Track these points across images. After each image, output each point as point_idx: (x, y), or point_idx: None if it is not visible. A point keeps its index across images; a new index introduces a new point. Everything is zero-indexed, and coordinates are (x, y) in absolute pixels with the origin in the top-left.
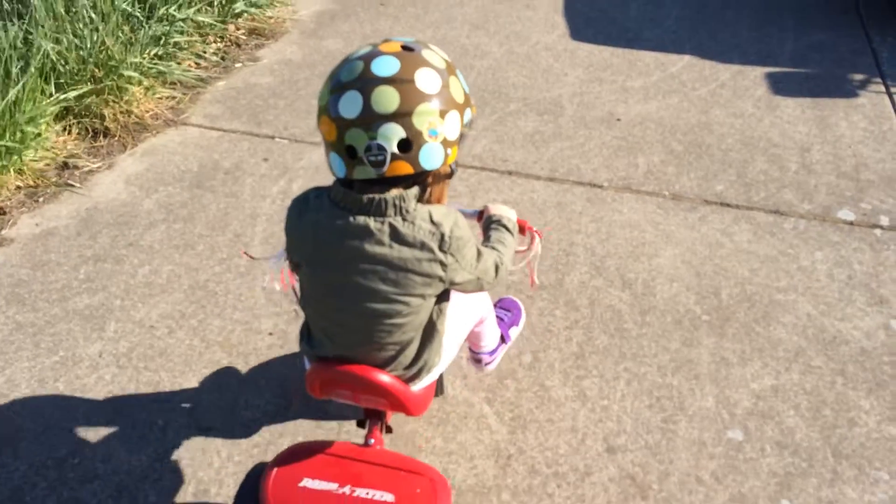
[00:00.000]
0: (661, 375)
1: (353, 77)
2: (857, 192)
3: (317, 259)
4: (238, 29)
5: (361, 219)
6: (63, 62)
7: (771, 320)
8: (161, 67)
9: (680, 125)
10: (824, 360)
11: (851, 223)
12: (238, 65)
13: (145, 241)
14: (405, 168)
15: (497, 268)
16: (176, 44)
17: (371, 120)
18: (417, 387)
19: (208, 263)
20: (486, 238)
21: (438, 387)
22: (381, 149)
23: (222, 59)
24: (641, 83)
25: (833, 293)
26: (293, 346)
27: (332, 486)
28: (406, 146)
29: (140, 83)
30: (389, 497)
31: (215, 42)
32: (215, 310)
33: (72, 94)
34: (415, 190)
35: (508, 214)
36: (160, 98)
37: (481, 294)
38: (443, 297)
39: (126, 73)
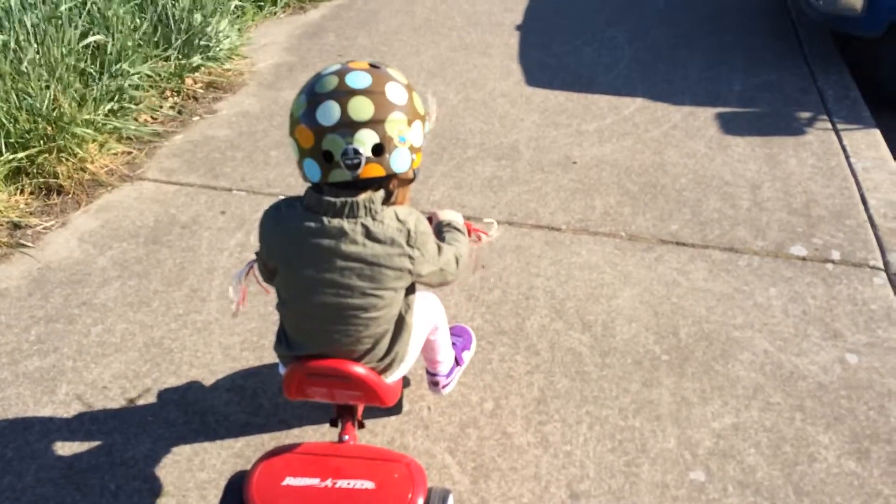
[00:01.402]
0: (622, 418)
1: (329, 89)
2: (808, 227)
3: (295, 261)
4: (195, 83)
5: (336, 221)
6: (13, 121)
7: (729, 358)
8: (116, 123)
9: (634, 166)
10: (783, 396)
11: (804, 258)
12: (195, 118)
13: (99, 299)
14: (377, 170)
15: (457, 260)
16: (131, 98)
17: (348, 126)
18: (389, 379)
19: (164, 320)
20: (441, 240)
21: (404, 380)
22: (357, 153)
23: (179, 112)
24: (596, 126)
25: (789, 328)
26: (250, 402)
27: (314, 481)
28: (379, 150)
29: (94, 140)
30: (370, 484)
31: (172, 96)
32: (170, 368)
33: (21, 154)
34: (381, 193)
35: (457, 218)
36: (115, 153)
37: (437, 301)
38: (409, 292)
39: (79, 130)
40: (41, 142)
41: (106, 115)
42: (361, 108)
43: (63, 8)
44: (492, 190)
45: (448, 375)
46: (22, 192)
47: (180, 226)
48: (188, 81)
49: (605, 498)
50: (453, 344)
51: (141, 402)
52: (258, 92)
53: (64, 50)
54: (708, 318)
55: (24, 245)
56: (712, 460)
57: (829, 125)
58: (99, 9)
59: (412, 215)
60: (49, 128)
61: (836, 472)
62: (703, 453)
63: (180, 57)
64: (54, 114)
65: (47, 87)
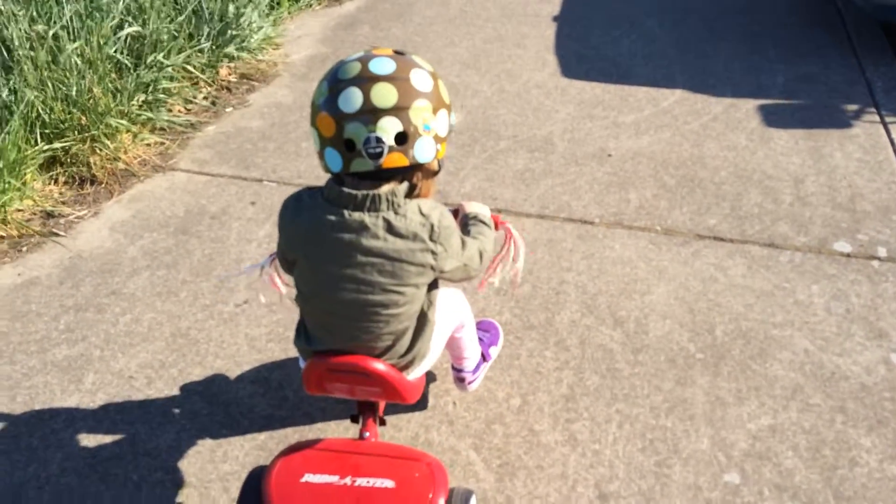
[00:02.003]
0: (654, 417)
1: (351, 75)
2: (853, 223)
3: (314, 254)
4: (229, 73)
5: (357, 214)
6: (49, 111)
7: (767, 357)
8: (149, 114)
9: (672, 159)
10: (823, 398)
11: (848, 255)
12: (228, 109)
13: (128, 288)
14: (401, 160)
15: (481, 255)
16: (165, 90)
17: (371, 113)
18: (411, 376)
19: (191, 310)
20: (466, 233)
21: (429, 375)
22: (380, 141)
23: (213, 103)
24: (633, 118)
25: (831, 327)
26: (275, 395)
27: (333, 479)
28: (402, 139)
29: (128, 130)
30: (390, 483)
31: (206, 87)
32: (196, 358)
33: (57, 145)
34: (405, 185)
35: (483, 211)
36: (148, 144)
37: (462, 298)
38: (432, 288)
39: (113, 121)
40: (75, 132)
41: (140, 106)
42: (385, 95)
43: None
44: (524, 183)
45: (474, 372)
46: (56, 181)
47: (210, 216)
48: (222, 72)
49: (634, 499)
50: (480, 339)
51: (166, 392)
52: (291, 83)
53: (101, 41)
54: (746, 316)
55: (56, 234)
56: (748, 462)
57: (877, 118)
58: (138, 2)
59: (436, 209)
60: (84, 118)
61: (878, 477)
62: (738, 455)
63: (214, 48)
64: (89, 104)
65: (83, 78)
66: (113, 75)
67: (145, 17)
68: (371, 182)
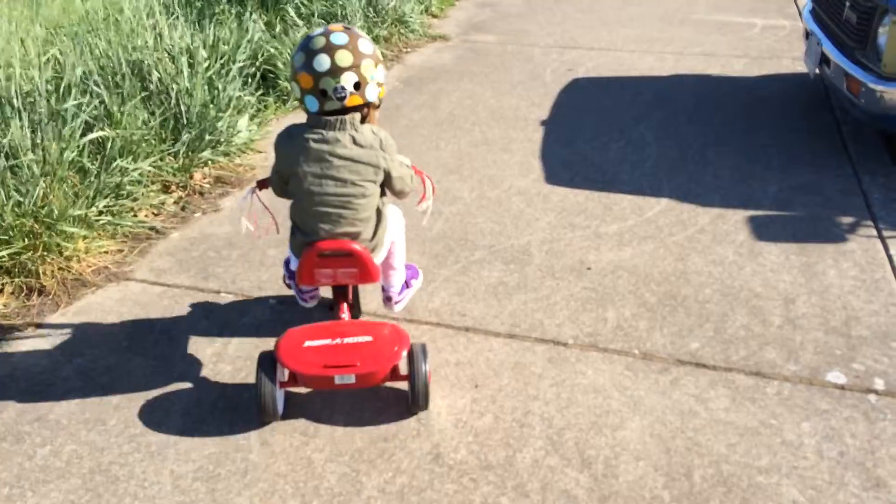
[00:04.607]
0: None
1: (320, 46)
2: (847, 350)
3: (304, 164)
4: (203, 178)
5: (331, 133)
6: None
7: None
8: (110, 220)
9: (654, 274)
10: None
11: (842, 387)
12: (197, 214)
13: (55, 414)
14: (357, 100)
15: (411, 177)
16: (129, 194)
17: (336, 71)
18: (376, 259)
19: (117, 441)
20: None
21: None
22: (343, 89)
23: (182, 208)
24: (616, 228)
25: (822, 474)
26: None
27: (326, 341)
28: (358, 86)
29: (84, 237)
30: (369, 338)
31: (177, 191)
32: (112, 500)
33: (3, 253)
34: (359, 115)
35: (407, 161)
36: (106, 252)
37: (401, 216)
38: (382, 194)
39: (68, 227)
40: (26, 239)
41: (101, 212)
42: (344, 58)
43: (67, 104)
44: (496, 298)
45: (400, 293)
46: (1, 291)
47: (158, 331)
48: (196, 177)
49: None
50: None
51: None
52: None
53: (63, 145)
54: (728, 458)
55: None
56: None
57: (874, 232)
58: (106, 106)
59: (382, 131)
60: (36, 225)
61: None
62: None
63: (189, 153)
64: (43, 210)
65: (38, 186)
66: (74, 180)
67: (114, 121)
68: (337, 115)
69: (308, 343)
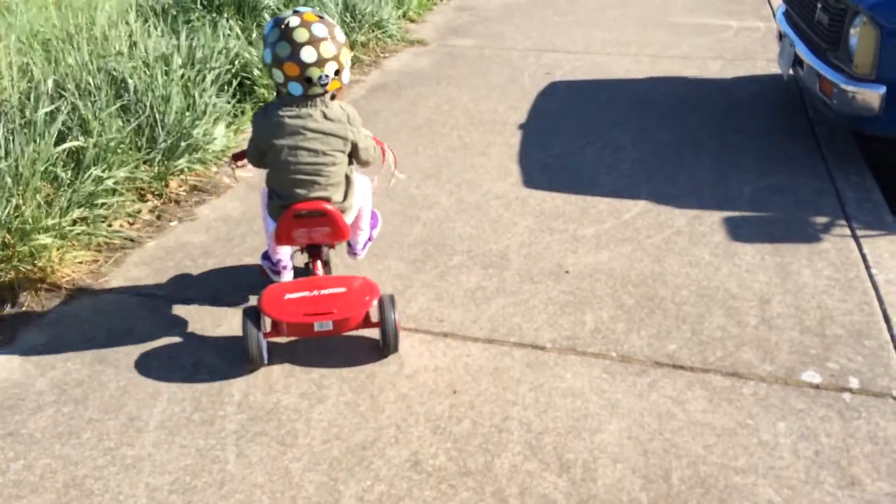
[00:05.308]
0: None
1: (305, 39)
2: (822, 349)
3: (280, 137)
4: (179, 186)
5: (304, 109)
6: None
7: None
8: (84, 229)
9: (632, 276)
10: None
11: (817, 386)
12: (173, 223)
13: (27, 428)
14: (336, 84)
15: (374, 147)
16: (104, 204)
17: (322, 62)
18: (347, 219)
19: (91, 455)
20: None
21: None
22: (327, 77)
23: (158, 217)
24: (593, 231)
25: (798, 473)
26: None
27: (305, 293)
28: (337, 73)
29: (58, 248)
30: (342, 289)
31: (153, 199)
32: None
33: None
34: (329, 94)
35: (369, 133)
36: (80, 262)
37: (368, 185)
38: (350, 163)
39: (41, 238)
40: None
41: (75, 222)
42: (327, 50)
43: (39, 114)
44: (474, 303)
45: (363, 248)
46: None
47: (133, 342)
48: (172, 185)
49: None
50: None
51: None
52: (244, 194)
53: (35, 155)
54: (705, 459)
55: None
56: None
57: (847, 231)
58: (80, 114)
59: (349, 107)
60: (9, 235)
61: None
62: None
63: (164, 160)
64: (16, 222)
65: (11, 197)
66: (47, 189)
67: (89, 129)
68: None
69: (289, 296)
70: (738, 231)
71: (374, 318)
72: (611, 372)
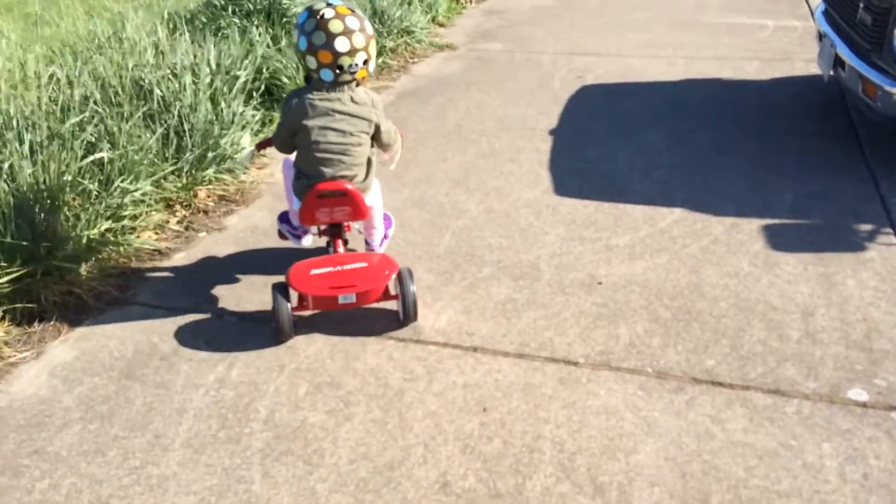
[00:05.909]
0: None
1: (339, 30)
2: (869, 365)
3: (311, 118)
4: (207, 196)
5: (333, 94)
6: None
7: None
8: (113, 241)
9: (667, 288)
10: None
11: (864, 405)
12: (202, 234)
13: (54, 446)
14: (364, 73)
15: (395, 130)
16: (132, 216)
17: (353, 51)
18: (366, 200)
19: (117, 474)
20: None
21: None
22: (356, 65)
23: (186, 228)
24: (627, 240)
25: (846, 498)
26: None
27: (329, 269)
28: (366, 62)
29: (86, 261)
30: (364, 264)
31: (181, 210)
32: None
33: (4, 280)
34: (356, 81)
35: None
36: (108, 275)
37: (378, 187)
38: (371, 144)
39: (70, 251)
40: (27, 264)
41: (102, 234)
42: (359, 41)
43: (67, 126)
44: (504, 316)
45: (380, 245)
46: (2, 318)
47: (160, 357)
48: (200, 195)
49: None
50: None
51: None
52: (272, 204)
53: (63, 167)
54: (746, 483)
55: None
56: None
57: (893, 239)
58: (106, 126)
59: (373, 92)
60: (37, 249)
61: None
62: None
63: (192, 171)
64: (46, 234)
65: (41, 207)
66: (75, 202)
67: (115, 140)
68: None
69: (314, 271)
70: (779, 239)
71: (393, 291)
72: (646, 389)
